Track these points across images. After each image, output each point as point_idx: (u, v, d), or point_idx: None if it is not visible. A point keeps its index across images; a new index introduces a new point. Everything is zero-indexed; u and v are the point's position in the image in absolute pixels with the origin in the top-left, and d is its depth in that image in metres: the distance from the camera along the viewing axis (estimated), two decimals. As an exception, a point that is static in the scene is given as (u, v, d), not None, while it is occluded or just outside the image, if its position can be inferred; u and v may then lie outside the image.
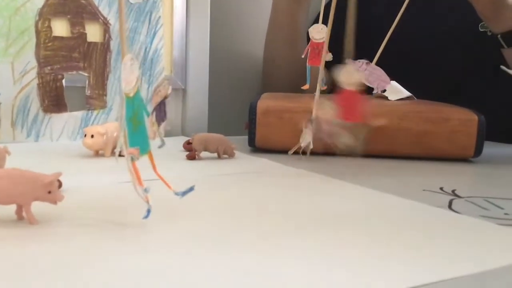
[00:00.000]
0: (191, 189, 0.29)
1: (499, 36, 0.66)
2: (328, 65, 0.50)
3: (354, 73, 0.42)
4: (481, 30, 0.68)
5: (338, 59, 0.46)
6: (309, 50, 0.50)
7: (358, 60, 0.59)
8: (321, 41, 0.49)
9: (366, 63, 0.61)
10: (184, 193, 0.29)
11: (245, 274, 0.22)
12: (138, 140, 0.27)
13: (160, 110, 0.30)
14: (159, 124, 0.30)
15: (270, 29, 0.82)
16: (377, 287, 0.21)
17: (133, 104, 0.27)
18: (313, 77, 0.52)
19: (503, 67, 0.60)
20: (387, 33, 0.60)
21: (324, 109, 0.46)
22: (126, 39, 0.27)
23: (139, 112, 0.27)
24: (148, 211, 0.28)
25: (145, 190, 0.27)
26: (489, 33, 0.68)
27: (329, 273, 0.22)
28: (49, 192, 0.27)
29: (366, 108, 0.44)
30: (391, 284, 0.21)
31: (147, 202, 0.27)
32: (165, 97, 0.30)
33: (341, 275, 0.22)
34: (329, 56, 0.49)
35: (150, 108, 0.29)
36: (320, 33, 0.49)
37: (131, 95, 0.27)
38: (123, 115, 0.26)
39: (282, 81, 0.81)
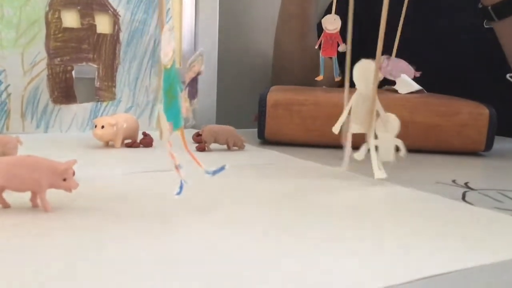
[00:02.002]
0: (222, 168, 0.28)
1: (489, 7, 0.65)
2: (342, 57, 0.49)
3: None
4: (486, 26, 0.67)
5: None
6: (322, 41, 0.50)
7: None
8: (334, 31, 0.49)
9: (386, 57, 0.61)
10: (215, 172, 0.28)
11: (258, 263, 0.22)
12: (172, 114, 0.26)
13: (193, 86, 0.29)
14: (190, 101, 0.29)
15: (280, 20, 0.82)
16: (392, 276, 0.21)
17: (170, 76, 0.26)
18: (326, 68, 0.52)
19: (509, 76, 0.59)
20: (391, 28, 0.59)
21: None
22: (163, 12, 0.26)
23: (174, 85, 0.26)
24: (181, 186, 0.27)
25: (179, 166, 0.27)
26: (480, 6, 0.67)
27: (344, 262, 0.22)
28: (64, 180, 0.27)
29: None
30: (406, 273, 0.21)
31: (181, 177, 0.27)
32: (199, 73, 0.29)
33: (357, 264, 0.22)
34: (343, 47, 0.48)
35: (184, 83, 0.28)
36: (333, 24, 0.49)
37: (169, 66, 0.26)
38: (160, 87, 0.25)
39: (292, 73, 0.81)
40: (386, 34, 0.35)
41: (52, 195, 0.28)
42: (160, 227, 0.26)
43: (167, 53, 0.25)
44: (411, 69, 0.61)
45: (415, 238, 0.26)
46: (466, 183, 0.40)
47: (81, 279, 0.19)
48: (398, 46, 0.60)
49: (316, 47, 0.53)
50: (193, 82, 0.30)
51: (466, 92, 0.61)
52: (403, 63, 0.61)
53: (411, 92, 0.60)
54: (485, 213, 0.31)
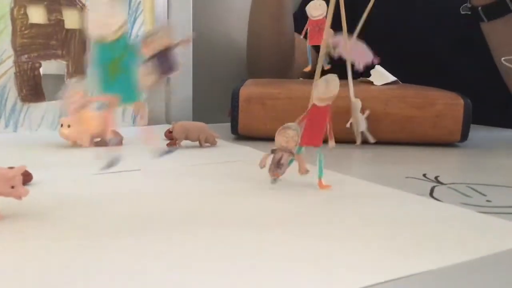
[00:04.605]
0: (169, 151, 0.31)
1: (479, 8, 0.64)
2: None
3: (332, 85, 0.32)
4: (463, 12, 0.66)
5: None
6: (308, 30, 0.48)
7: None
8: (320, 17, 0.47)
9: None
10: (162, 154, 0.30)
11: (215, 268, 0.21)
12: (118, 88, 0.27)
13: (165, 60, 0.28)
14: (163, 75, 0.28)
15: (254, 5, 0.79)
16: (353, 278, 0.20)
17: (112, 50, 0.26)
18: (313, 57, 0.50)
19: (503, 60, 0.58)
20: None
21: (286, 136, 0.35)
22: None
23: (122, 59, 0.26)
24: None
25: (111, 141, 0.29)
26: (468, 5, 0.65)
27: (303, 267, 0.21)
28: (12, 187, 0.26)
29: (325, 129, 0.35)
30: (366, 276, 0.20)
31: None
32: (170, 46, 0.28)
33: (318, 266, 0.21)
34: (331, 34, 0.46)
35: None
36: (318, 9, 0.47)
37: (110, 39, 0.25)
38: (91, 61, 0.26)
39: (267, 58, 0.79)
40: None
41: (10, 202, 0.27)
42: (117, 231, 0.25)
43: (109, 25, 0.25)
44: (370, 53, 0.57)
45: (373, 238, 0.25)
46: (436, 177, 0.39)
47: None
48: (371, 36, 0.59)
49: (302, 36, 0.51)
50: (164, 55, 0.29)
51: (441, 81, 0.61)
52: (362, 46, 0.57)
53: (386, 83, 0.59)
54: (449, 209, 0.30)
